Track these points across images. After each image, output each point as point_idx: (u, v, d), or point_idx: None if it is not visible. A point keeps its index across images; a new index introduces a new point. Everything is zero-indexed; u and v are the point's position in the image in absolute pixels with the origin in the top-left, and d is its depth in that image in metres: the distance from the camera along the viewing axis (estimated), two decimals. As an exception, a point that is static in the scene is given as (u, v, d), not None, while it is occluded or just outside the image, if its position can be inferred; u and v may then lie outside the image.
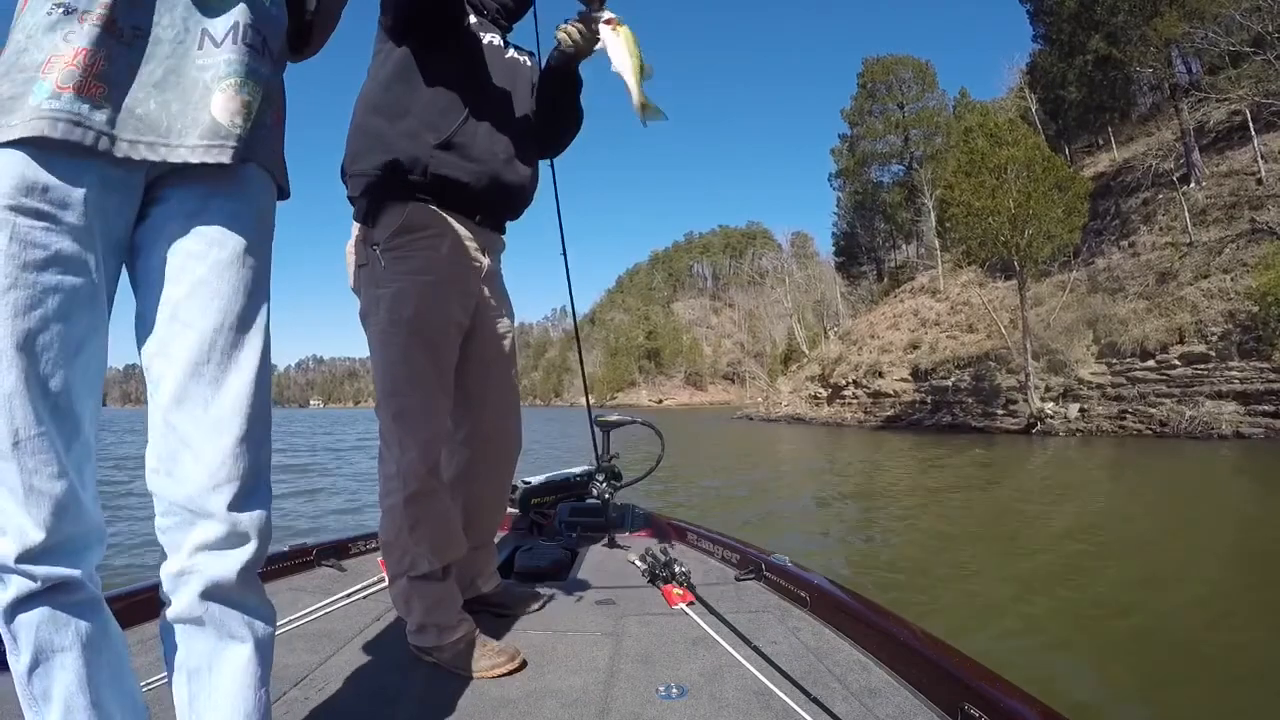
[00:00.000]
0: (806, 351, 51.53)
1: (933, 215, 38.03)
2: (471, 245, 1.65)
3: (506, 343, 1.81)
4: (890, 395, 30.44)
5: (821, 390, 36.68)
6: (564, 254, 2.42)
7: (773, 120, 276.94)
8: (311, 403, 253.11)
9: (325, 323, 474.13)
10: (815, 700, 1.28)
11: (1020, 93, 38.43)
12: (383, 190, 1.55)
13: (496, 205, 1.71)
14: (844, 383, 34.13)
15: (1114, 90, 29.34)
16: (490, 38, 1.70)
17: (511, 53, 1.77)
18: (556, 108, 1.77)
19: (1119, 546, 6.36)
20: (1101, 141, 34.01)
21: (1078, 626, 4.15)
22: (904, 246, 52.30)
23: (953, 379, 26.79)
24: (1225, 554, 6.22)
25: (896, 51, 52.59)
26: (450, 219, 1.60)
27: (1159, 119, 31.02)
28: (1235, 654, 3.61)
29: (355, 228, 1.62)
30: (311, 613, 1.80)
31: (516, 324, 1.91)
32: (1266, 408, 17.09)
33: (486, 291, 1.72)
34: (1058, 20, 30.16)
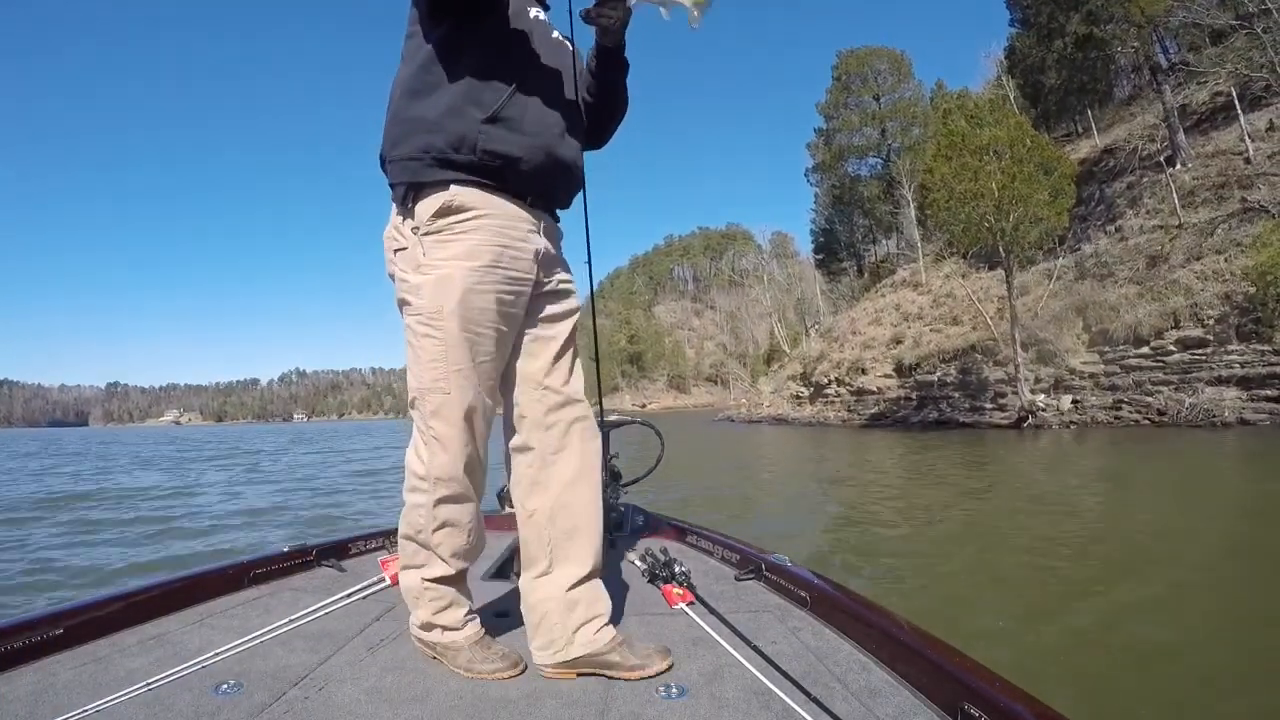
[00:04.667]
0: (788, 351, 50.81)
1: (912, 207, 37.41)
2: (524, 226, 1.53)
3: (570, 323, 1.66)
4: (874, 392, 29.60)
5: (803, 389, 35.89)
6: (588, 262, 2.23)
7: (749, 120, 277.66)
8: (295, 416, 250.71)
9: (307, 335, 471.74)
10: (815, 700, 1.26)
11: (998, 83, 37.84)
12: (426, 172, 1.45)
13: (550, 184, 1.59)
14: (826, 381, 33.31)
15: (1095, 72, 28.63)
16: (535, 11, 1.64)
17: (556, 33, 1.68)
18: (608, 91, 1.71)
19: (1123, 544, 5.94)
20: (1082, 128, 33.55)
21: (1081, 625, 3.96)
22: (884, 241, 51.81)
23: (938, 373, 25.94)
24: (1235, 550, 5.67)
25: (871, 45, 52.04)
26: (499, 199, 1.49)
27: (1140, 102, 30.59)
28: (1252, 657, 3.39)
29: (392, 215, 1.54)
30: (311, 613, 1.79)
31: None
32: (1270, 392, 16.28)
33: (543, 275, 1.58)
34: (1035, 2, 29.40)
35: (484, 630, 1.54)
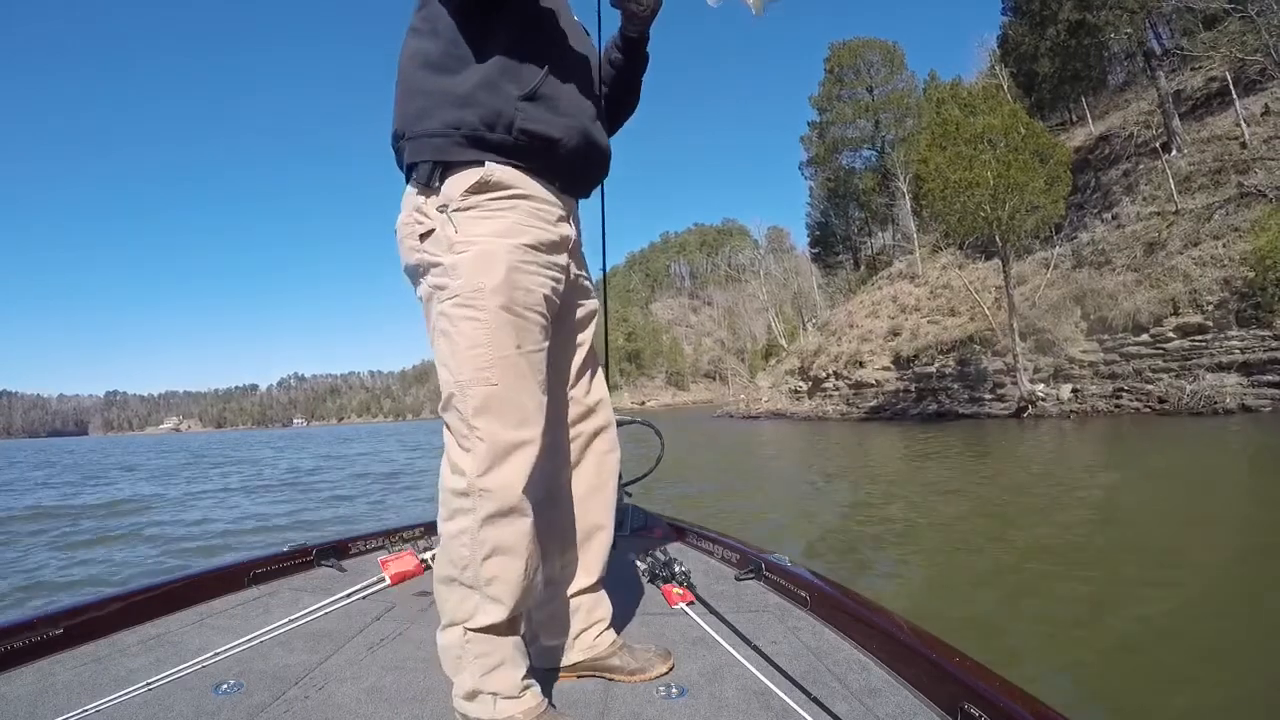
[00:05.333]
0: (785, 345, 50.66)
1: (907, 199, 37.24)
2: (556, 212, 1.40)
3: (592, 327, 1.56)
4: (872, 385, 29.44)
5: (801, 384, 35.73)
6: (603, 259, 2.09)
7: (743, 114, 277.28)
8: (295, 421, 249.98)
9: (305, 340, 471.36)
10: (815, 700, 1.26)
11: (991, 72, 37.68)
12: (455, 150, 1.30)
13: (584, 170, 1.47)
14: (824, 375, 33.15)
15: (1088, 59, 28.47)
16: None
17: (577, 17, 1.58)
18: (624, 84, 1.63)
19: (1125, 536, 5.83)
20: (1077, 116, 33.39)
21: (1082, 626, 3.85)
22: (879, 233, 51.61)
23: (936, 365, 25.80)
24: (1238, 542, 5.51)
25: (864, 36, 51.76)
26: (534, 181, 1.36)
27: (1135, 88, 30.43)
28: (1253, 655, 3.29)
29: (410, 196, 1.35)
30: (311, 613, 1.79)
31: None
32: (1271, 378, 16.12)
33: (574, 267, 1.47)
34: (1027, -11, 29.27)
35: (547, 701, 1.28)
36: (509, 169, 1.33)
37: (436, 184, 1.31)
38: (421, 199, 1.33)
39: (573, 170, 1.44)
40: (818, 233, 59.19)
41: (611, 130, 1.69)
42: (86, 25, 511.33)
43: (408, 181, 1.36)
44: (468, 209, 1.30)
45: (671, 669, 1.44)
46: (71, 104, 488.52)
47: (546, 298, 1.34)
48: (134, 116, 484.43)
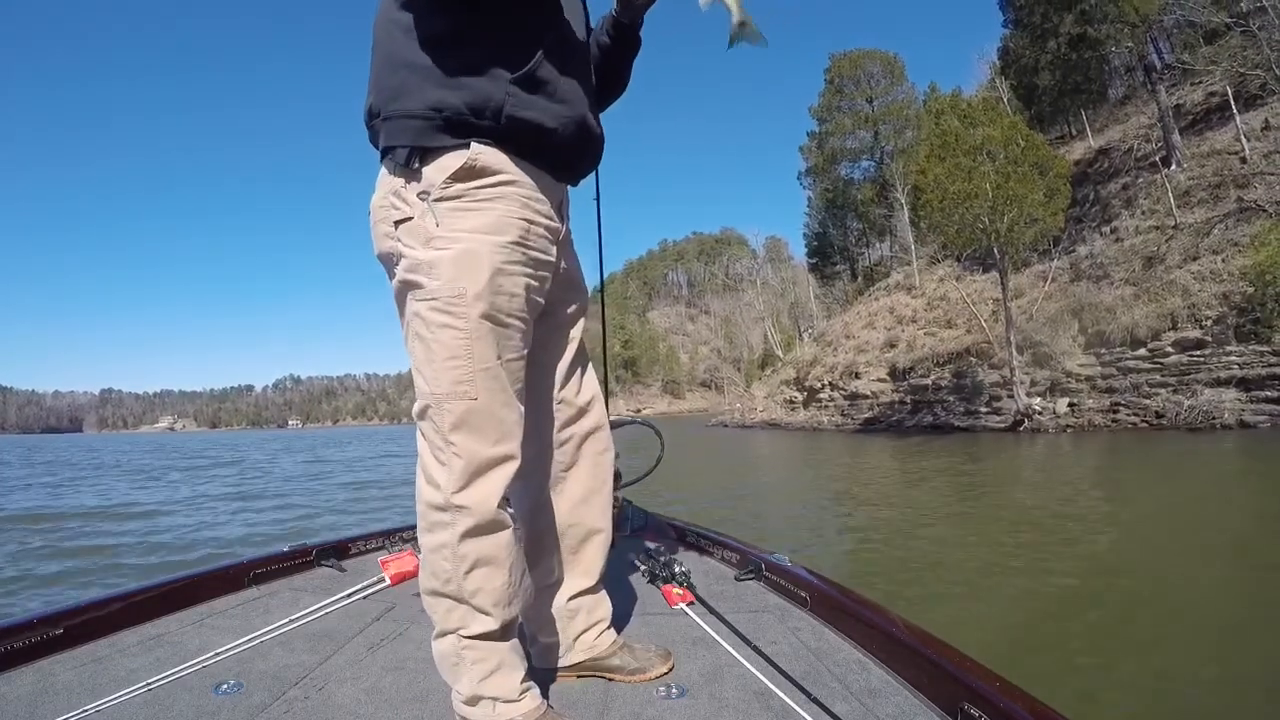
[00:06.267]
0: (781, 355, 50.51)
1: (905, 210, 37.16)
2: (546, 200, 1.31)
3: (582, 324, 1.51)
4: (868, 396, 29.25)
5: (797, 394, 35.55)
6: (600, 253, 2.17)
7: (744, 122, 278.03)
8: (290, 423, 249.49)
9: (302, 342, 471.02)
10: (815, 700, 1.26)
11: (991, 84, 37.68)
12: (434, 136, 1.20)
13: (577, 159, 1.39)
14: (819, 385, 32.97)
15: (1088, 72, 28.44)
16: None
17: None
18: (612, 69, 1.53)
19: (1123, 556, 5.81)
20: (1076, 130, 33.38)
21: (1083, 633, 3.92)
22: (877, 244, 51.64)
23: (932, 377, 25.60)
24: (1237, 561, 5.44)
25: (864, 47, 51.82)
26: (524, 166, 1.27)
27: (1135, 102, 30.43)
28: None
29: (387, 178, 1.26)
30: (311, 613, 1.79)
31: None
32: (1270, 393, 15.97)
33: (563, 261, 1.40)
34: (1029, 2, 29.17)
35: (548, 703, 1.26)
36: (496, 152, 1.24)
37: (416, 165, 1.21)
38: (400, 182, 1.23)
39: (566, 160, 1.36)
40: (815, 243, 59.12)
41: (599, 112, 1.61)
42: (86, 27, 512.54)
43: (382, 161, 1.27)
44: (451, 199, 1.21)
45: (671, 669, 1.45)
46: (75, 104, 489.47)
47: (530, 300, 1.27)
48: (136, 116, 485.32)
